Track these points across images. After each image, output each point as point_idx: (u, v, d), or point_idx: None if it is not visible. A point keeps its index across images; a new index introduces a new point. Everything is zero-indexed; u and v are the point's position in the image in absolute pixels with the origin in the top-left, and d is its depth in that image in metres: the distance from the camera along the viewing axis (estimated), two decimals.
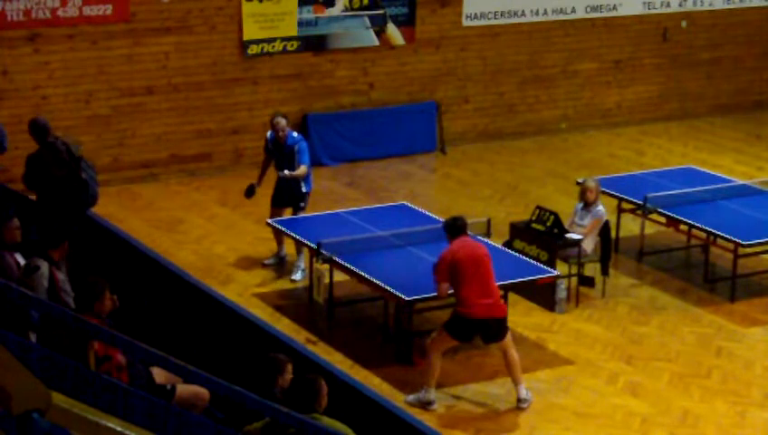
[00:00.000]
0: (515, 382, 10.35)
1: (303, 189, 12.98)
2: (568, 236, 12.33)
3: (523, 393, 10.35)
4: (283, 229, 12.53)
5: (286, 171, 12.77)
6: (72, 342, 7.43)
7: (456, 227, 10.39)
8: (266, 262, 13.25)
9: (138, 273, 10.44)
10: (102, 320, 7.99)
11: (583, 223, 12.52)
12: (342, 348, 11.33)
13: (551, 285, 11.95)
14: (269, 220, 12.89)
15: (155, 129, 16.08)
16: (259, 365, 7.85)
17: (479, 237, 12.22)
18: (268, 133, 13.15)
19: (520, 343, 10.98)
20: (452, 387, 10.72)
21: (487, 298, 10.08)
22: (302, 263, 12.77)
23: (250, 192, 13.31)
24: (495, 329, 10.24)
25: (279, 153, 12.96)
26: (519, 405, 10.35)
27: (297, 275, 12.83)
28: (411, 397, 10.40)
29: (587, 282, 12.56)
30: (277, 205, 13.13)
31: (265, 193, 13.59)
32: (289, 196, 13.02)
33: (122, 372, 7.83)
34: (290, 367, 7.86)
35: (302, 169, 12.81)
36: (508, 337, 10.33)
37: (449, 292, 10.25)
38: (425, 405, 10.28)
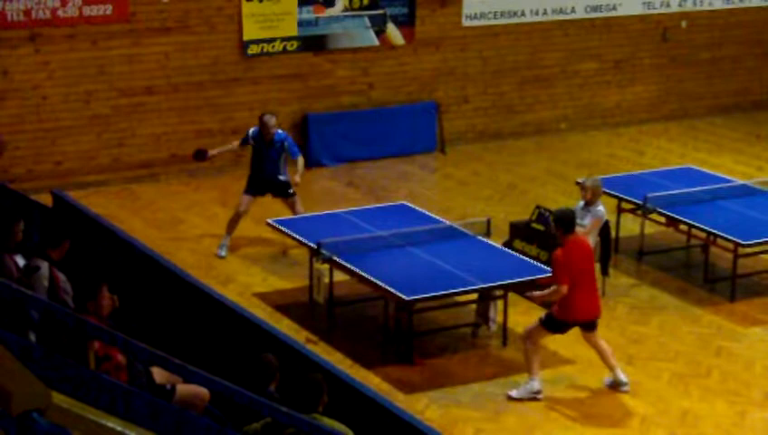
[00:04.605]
0: (611, 368, 10.70)
1: (283, 178, 13.49)
2: None
3: (622, 377, 10.67)
4: (284, 230, 12.51)
5: (297, 177, 13.23)
6: (72, 342, 7.42)
7: (570, 223, 10.51)
8: (221, 253, 13.52)
9: (138, 273, 10.43)
10: (102, 320, 7.97)
11: (583, 223, 12.50)
12: (342, 348, 11.33)
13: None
14: (269, 220, 12.90)
15: (155, 129, 16.08)
16: (253, 366, 7.86)
17: (479, 237, 12.24)
18: (251, 130, 13.58)
19: (520, 343, 10.98)
20: (452, 387, 10.72)
21: (594, 299, 10.50)
22: (227, 241, 13.56)
23: (201, 156, 13.83)
24: (592, 325, 10.57)
25: (263, 149, 13.41)
26: (621, 389, 10.65)
27: (223, 252, 13.51)
28: (515, 392, 10.53)
29: None
30: (254, 193, 13.55)
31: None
32: (270, 186, 13.50)
33: (122, 372, 7.81)
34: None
35: (302, 161, 13.53)
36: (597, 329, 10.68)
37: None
38: (534, 395, 10.48)
